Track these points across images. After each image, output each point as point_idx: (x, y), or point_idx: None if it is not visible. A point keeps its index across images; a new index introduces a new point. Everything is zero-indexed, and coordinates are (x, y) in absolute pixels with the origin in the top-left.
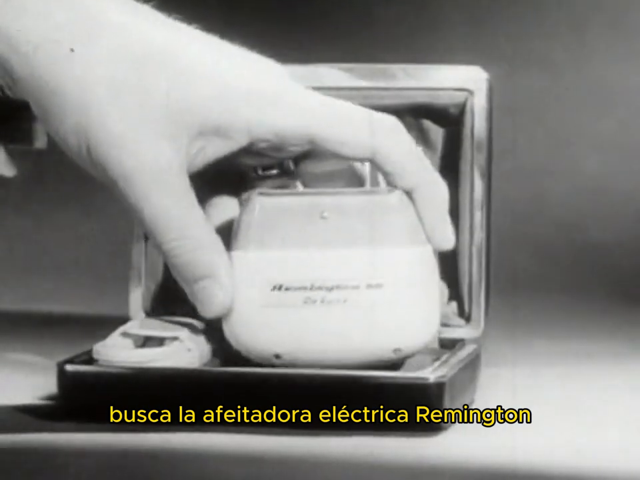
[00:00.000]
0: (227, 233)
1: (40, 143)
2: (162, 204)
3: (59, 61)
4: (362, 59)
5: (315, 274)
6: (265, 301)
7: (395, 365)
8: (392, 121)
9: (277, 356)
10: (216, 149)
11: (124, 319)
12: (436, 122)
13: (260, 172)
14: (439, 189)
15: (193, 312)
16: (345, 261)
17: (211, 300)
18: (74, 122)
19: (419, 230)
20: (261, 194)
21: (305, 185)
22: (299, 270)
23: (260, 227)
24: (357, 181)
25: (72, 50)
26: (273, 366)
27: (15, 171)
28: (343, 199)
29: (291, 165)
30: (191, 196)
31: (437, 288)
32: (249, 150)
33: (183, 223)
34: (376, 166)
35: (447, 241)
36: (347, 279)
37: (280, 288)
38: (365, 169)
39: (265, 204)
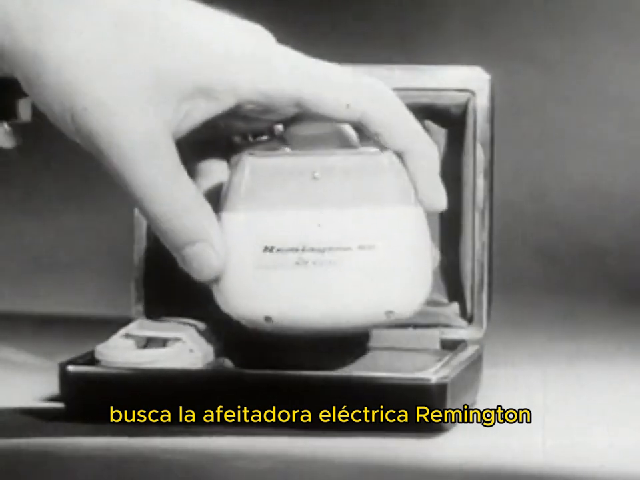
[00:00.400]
0: (217, 199)
1: (24, 115)
2: (148, 168)
3: (41, 29)
4: (363, 60)
5: (307, 235)
6: (256, 262)
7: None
8: (379, 83)
9: (268, 318)
10: (203, 112)
11: (126, 320)
12: (438, 122)
13: (250, 139)
14: (429, 149)
15: (195, 313)
16: (336, 222)
17: (205, 264)
18: (58, 89)
19: (411, 191)
20: (251, 155)
21: (296, 148)
22: (290, 231)
23: (250, 188)
24: (347, 143)
25: (54, 18)
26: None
27: (15, 142)
28: (334, 160)
29: (281, 131)
30: (177, 161)
31: (428, 250)
32: (236, 113)
33: (170, 187)
34: (365, 128)
35: (438, 202)
36: (338, 240)
37: (271, 249)
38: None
39: (255, 164)
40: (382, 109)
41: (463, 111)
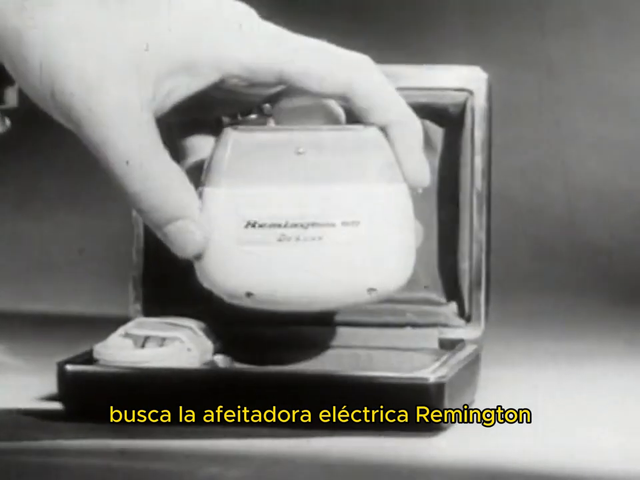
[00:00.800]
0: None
1: (11, 101)
2: (127, 144)
3: (22, 7)
4: None
5: (290, 211)
6: (238, 238)
7: None
8: (363, 57)
9: (249, 294)
10: (187, 87)
11: (124, 319)
12: (436, 122)
13: (239, 117)
14: (413, 124)
15: (193, 312)
16: (320, 198)
17: (187, 241)
18: (39, 66)
19: (395, 167)
20: (234, 129)
21: (281, 123)
22: (273, 207)
23: (233, 163)
24: (333, 119)
25: None
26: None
27: (5, 127)
28: (319, 135)
29: (270, 109)
30: (157, 137)
31: (412, 227)
32: (221, 88)
33: (150, 164)
34: (349, 103)
35: (422, 177)
36: (322, 216)
37: (254, 225)
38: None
39: (238, 139)
40: (366, 83)
41: (461, 110)
